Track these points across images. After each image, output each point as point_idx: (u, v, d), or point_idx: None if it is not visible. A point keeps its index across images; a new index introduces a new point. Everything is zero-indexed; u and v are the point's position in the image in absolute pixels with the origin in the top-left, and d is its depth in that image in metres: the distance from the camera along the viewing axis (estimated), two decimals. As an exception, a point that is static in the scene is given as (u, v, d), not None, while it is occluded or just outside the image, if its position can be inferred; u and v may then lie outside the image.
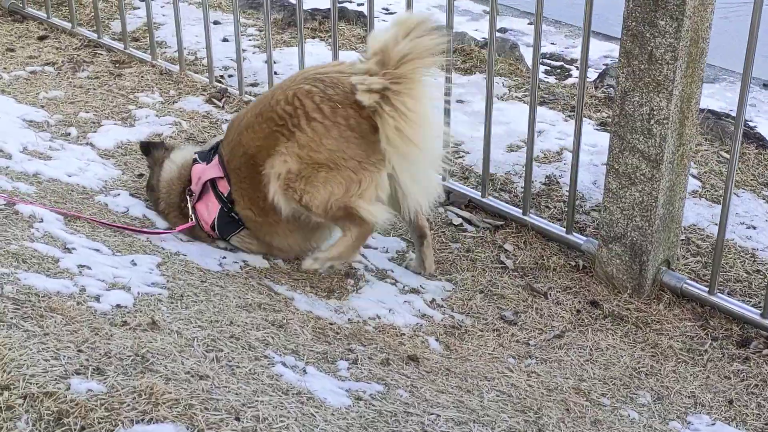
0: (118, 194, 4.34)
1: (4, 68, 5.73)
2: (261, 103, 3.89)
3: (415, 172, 3.72)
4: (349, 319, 3.75)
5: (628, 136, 3.94)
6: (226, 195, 3.98)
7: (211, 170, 4.00)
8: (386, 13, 10.34)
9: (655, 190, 3.93)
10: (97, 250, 3.59)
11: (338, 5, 8.20)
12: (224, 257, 4.01)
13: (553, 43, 10.56)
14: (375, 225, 3.85)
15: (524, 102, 5.75)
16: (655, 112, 3.83)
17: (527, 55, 7.33)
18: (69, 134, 4.97)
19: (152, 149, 4.32)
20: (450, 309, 4.02)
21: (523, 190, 4.83)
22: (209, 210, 4.04)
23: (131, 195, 4.35)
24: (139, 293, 3.22)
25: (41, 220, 3.71)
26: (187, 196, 4.07)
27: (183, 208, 4.12)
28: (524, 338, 3.89)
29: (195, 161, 4.11)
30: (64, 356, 2.54)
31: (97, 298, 3.08)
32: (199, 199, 4.05)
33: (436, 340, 3.77)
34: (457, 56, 6.26)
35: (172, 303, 3.25)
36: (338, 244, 3.87)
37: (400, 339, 3.70)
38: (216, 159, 4.01)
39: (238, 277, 3.86)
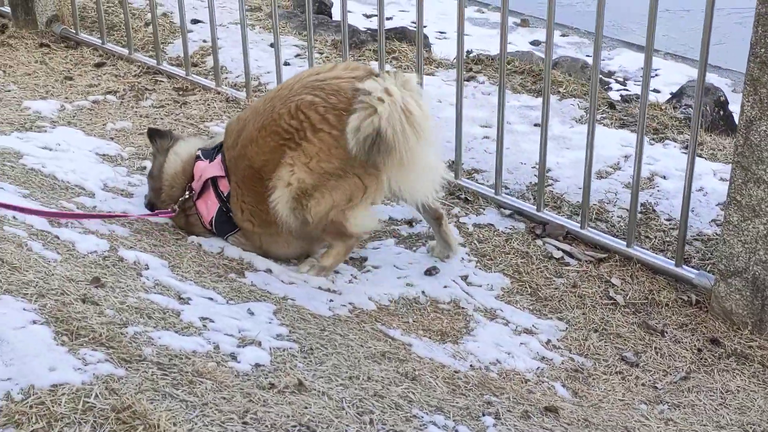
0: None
1: (66, 98, 5.55)
2: (262, 114, 3.83)
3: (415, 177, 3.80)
4: (471, 366, 3.58)
5: (753, 167, 3.77)
6: (226, 194, 3.98)
7: (212, 168, 3.99)
8: (442, 38, 10.21)
9: (781, 223, 3.77)
10: (211, 299, 3.41)
11: (398, 26, 8.05)
12: (331, 300, 3.84)
13: (588, 55, 10.41)
14: (360, 237, 4.04)
15: (602, 124, 5.58)
16: (784, 143, 3.66)
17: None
18: (145, 168, 4.78)
19: (158, 137, 4.27)
20: (568, 350, 3.85)
21: (618, 219, 4.67)
22: (209, 208, 4.04)
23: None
24: (271, 348, 3.04)
25: (147, 267, 3.54)
26: (187, 192, 4.06)
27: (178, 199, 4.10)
28: (650, 381, 3.72)
29: (198, 158, 4.09)
30: (232, 430, 2.36)
31: (234, 357, 2.90)
32: (200, 197, 4.04)
33: (562, 385, 3.60)
34: (526, 77, 6.09)
35: (305, 358, 3.07)
36: (329, 256, 4.00)
37: (527, 386, 3.53)
38: (219, 158, 4.00)
39: (350, 321, 3.68)
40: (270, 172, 3.82)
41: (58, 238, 3.52)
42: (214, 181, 4.02)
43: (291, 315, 3.49)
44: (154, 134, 4.28)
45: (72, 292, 2.98)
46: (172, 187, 4.15)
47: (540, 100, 5.80)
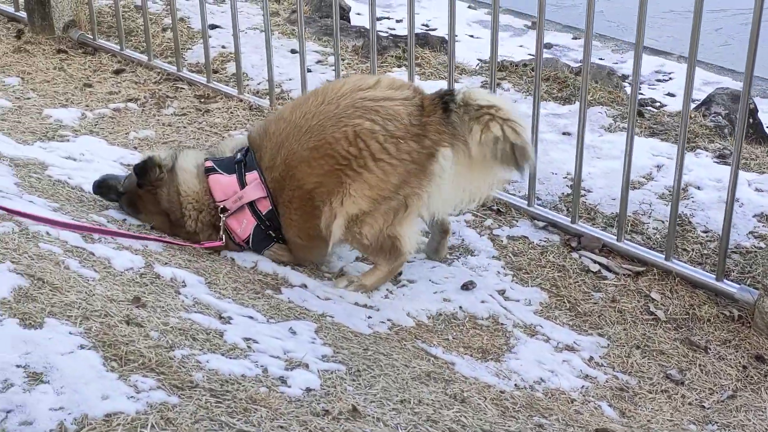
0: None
1: (87, 106, 5.46)
2: (310, 133, 3.73)
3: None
4: (515, 385, 3.50)
5: (801, 181, 3.69)
6: (264, 213, 3.88)
7: (253, 191, 3.87)
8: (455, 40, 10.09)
9: (829, 238, 3.69)
10: (252, 318, 3.33)
11: (421, 31, 7.96)
12: (369, 317, 3.76)
13: (601, 59, 10.31)
14: (407, 257, 3.95)
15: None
16: (834, 157, 3.59)
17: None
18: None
19: (150, 169, 4.01)
20: (611, 368, 3.76)
21: (654, 231, 4.59)
22: (243, 227, 3.92)
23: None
24: (319, 371, 2.95)
25: (184, 284, 3.45)
26: (220, 214, 3.90)
27: (218, 225, 3.93)
28: (697, 400, 3.64)
29: (212, 170, 3.94)
30: (295, 463, 2.28)
31: (284, 381, 2.81)
32: (231, 215, 3.92)
33: (609, 405, 3.52)
34: (551, 84, 6.01)
35: (354, 381, 2.99)
36: (372, 275, 3.95)
37: (574, 406, 3.44)
38: (255, 177, 3.86)
39: (390, 339, 3.60)
40: (323, 194, 3.76)
41: (93, 254, 3.43)
42: (251, 201, 3.89)
43: (333, 334, 3.40)
44: (145, 169, 4.00)
45: (115, 313, 2.90)
46: (200, 211, 3.95)
47: (567, 108, 5.76)
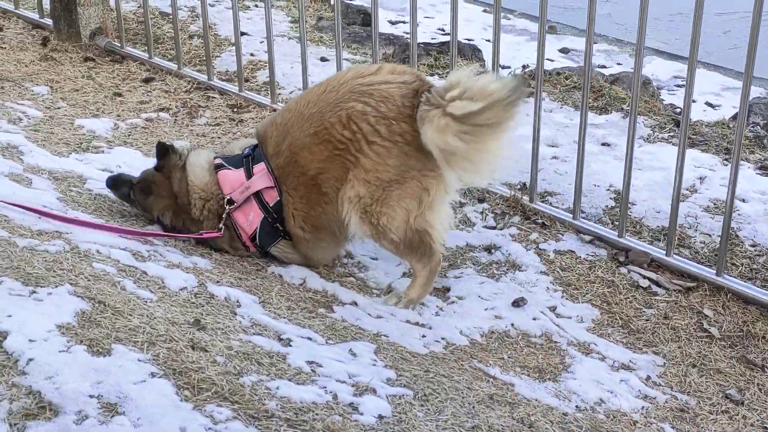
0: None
1: (118, 116, 5.38)
2: (310, 120, 3.73)
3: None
4: (576, 407, 3.43)
5: None
6: (272, 205, 3.85)
7: (260, 181, 3.85)
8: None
9: None
10: (310, 339, 3.26)
11: (447, 38, 7.88)
12: (423, 335, 3.69)
13: (619, 63, 10.23)
14: (441, 251, 3.87)
15: (672, 144, 5.43)
16: None
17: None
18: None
19: (171, 152, 4.06)
20: (669, 388, 3.69)
21: (701, 245, 4.52)
22: (250, 220, 3.88)
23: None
24: (387, 396, 2.88)
25: (239, 304, 3.38)
26: (226, 206, 3.87)
27: (222, 216, 3.91)
28: (759, 421, 3.57)
29: (221, 166, 3.93)
30: (384, 500, 2.21)
31: (356, 408, 2.74)
32: (238, 208, 3.89)
33: (672, 427, 3.45)
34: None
35: (422, 406, 2.91)
36: (415, 285, 3.87)
37: (637, 429, 3.38)
38: (262, 167, 3.84)
39: (447, 359, 3.53)
40: (327, 180, 3.75)
41: (146, 273, 3.36)
42: (257, 192, 3.87)
43: (391, 354, 3.33)
44: (167, 150, 4.05)
45: (179, 337, 2.82)
46: (207, 200, 3.95)
47: (604, 117, 5.71)
